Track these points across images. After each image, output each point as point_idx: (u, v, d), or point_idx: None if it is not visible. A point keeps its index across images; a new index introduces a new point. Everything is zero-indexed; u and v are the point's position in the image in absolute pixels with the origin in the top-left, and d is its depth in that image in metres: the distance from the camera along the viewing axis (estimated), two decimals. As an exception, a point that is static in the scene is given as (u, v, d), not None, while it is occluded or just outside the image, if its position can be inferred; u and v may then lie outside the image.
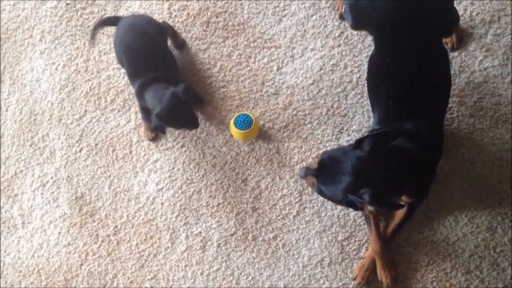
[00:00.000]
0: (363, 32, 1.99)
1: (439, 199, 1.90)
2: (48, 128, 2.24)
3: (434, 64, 1.62)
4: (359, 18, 1.69)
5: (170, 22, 2.20)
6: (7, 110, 2.30)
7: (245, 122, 1.96)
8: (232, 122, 1.98)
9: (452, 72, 1.93)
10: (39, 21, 2.34)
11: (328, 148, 2.01)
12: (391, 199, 1.48)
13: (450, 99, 1.91)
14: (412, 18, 1.58)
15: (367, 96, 1.86)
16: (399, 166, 1.52)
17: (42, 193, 2.21)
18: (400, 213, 1.83)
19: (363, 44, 2.03)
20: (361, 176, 1.47)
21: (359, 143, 1.50)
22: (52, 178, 2.21)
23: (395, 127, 1.62)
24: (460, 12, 1.95)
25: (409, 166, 1.56)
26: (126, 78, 2.20)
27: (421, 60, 1.60)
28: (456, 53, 1.96)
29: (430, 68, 1.61)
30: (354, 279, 1.91)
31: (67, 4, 2.31)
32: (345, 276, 1.93)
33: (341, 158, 1.50)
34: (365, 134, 1.54)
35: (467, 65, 1.95)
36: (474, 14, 1.97)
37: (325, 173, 1.54)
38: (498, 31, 1.95)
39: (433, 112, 1.65)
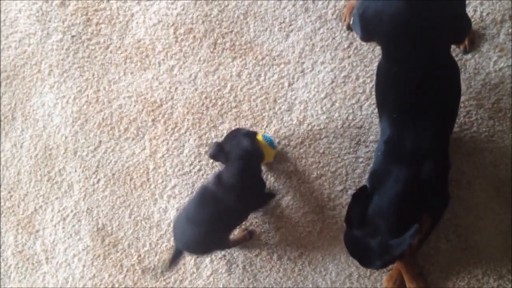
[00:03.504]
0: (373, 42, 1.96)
1: (464, 205, 1.87)
2: (64, 161, 2.24)
3: (442, 76, 1.59)
4: (367, 29, 1.67)
5: (177, 46, 2.19)
6: (21, 147, 2.30)
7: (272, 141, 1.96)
8: (262, 142, 1.92)
9: (467, 75, 1.91)
10: (46, 56, 2.34)
11: (347, 161, 1.98)
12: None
13: (467, 102, 1.90)
14: (420, 28, 1.55)
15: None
16: (400, 202, 1.60)
17: (63, 227, 2.21)
18: (425, 224, 1.80)
19: (374, 54, 2.01)
20: (381, 245, 1.57)
21: (348, 222, 1.62)
22: (72, 211, 2.21)
23: (399, 148, 1.62)
24: (470, 14, 1.92)
25: (411, 196, 1.60)
26: (137, 106, 2.19)
27: (428, 71, 1.57)
28: (469, 56, 1.93)
29: (437, 80, 1.58)
30: (384, 291, 1.89)
31: (72, 37, 2.31)
32: (375, 290, 1.91)
33: (356, 241, 1.63)
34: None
35: (482, 66, 1.92)
36: (484, 14, 1.93)
37: (358, 259, 1.66)
38: (510, 30, 1.91)
39: (439, 127, 1.62)
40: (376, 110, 1.95)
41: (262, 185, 1.89)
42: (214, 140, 1.83)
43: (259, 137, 1.93)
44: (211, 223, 1.75)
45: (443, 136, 1.65)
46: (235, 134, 1.83)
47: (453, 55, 1.91)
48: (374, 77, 1.76)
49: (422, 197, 1.61)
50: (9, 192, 2.28)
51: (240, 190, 1.75)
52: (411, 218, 1.60)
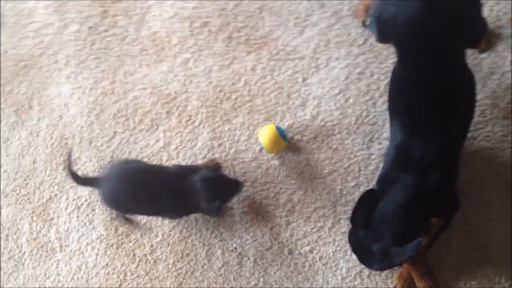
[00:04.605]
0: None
1: (476, 204, 1.87)
2: (79, 151, 2.27)
3: (455, 82, 1.57)
4: (382, 31, 1.67)
5: (192, 39, 2.20)
6: (38, 136, 2.33)
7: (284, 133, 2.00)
8: (275, 131, 1.97)
9: (482, 74, 1.90)
10: (63, 46, 2.36)
11: (359, 158, 1.99)
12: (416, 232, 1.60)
13: (482, 102, 1.89)
14: (434, 32, 1.53)
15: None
16: (405, 210, 1.60)
17: (77, 216, 2.24)
18: (436, 224, 1.80)
19: (389, 51, 2.00)
20: (382, 250, 1.60)
21: (353, 223, 1.65)
22: (86, 200, 2.23)
23: (408, 155, 1.61)
24: (487, 13, 1.91)
25: (417, 204, 1.61)
26: (152, 98, 2.21)
27: (442, 77, 1.55)
28: (485, 55, 1.92)
29: (450, 86, 1.56)
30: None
31: (89, 28, 2.33)
32: (385, 286, 1.91)
33: (359, 241, 1.67)
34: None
35: (497, 66, 1.91)
36: (500, 14, 1.92)
37: (360, 258, 1.72)
38: (527, 30, 1.90)
39: (450, 135, 1.61)
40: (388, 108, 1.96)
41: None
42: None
43: (273, 127, 1.96)
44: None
45: (453, 144, 1.64)
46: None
47: (469, 54, 1.91)
48: (389, 79, 1.76)
49: (428, 205, 1.61)
50: (25, 180, 2.32)
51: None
52: (416, 226, 1.62)
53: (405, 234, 1.57)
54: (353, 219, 1.63)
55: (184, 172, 1.85)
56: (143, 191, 1.85)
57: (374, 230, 1.59)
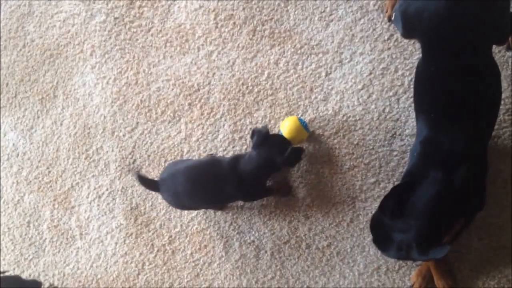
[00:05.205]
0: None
1: (498, 204, 1.83)
2: (101, 141, 2.30)
3: (481, 77, 1.55)
4: (408, 27, 1.65)
5: (216, 32, 2.21)
6: (61, 124, 2.37)
7: (306, 125, 2.00)
8: (297, 122, 1.97)
9: (509, 71, 1.87)
10: (89, 36, 2.39)
11: (381, 154, 1.97)
12: (441, 236, 1.55)
13: (508, 100, 1.86)
14: (460, 28, 1.51)
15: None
16: (434, 207, 1.55)
17: (98, 205, 2.27)
18: (457, 224, 1.78)
19: (414, 46, 1.98)
20: (403, 242, 1.55)
21: (382, 207, 1.59)
22: (107, 189, 2.26)
23: (435, 150, 1.58)
24: (515, 10, 1.87)
25: (446, 200, 1.56)
26: (175, 89, 2.23)
27: (467, 72, 1.53)
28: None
29: (476, 81, 1.54)
30: (412, 286, 1.88)
31: (115, 19, 2.35)
32: (403, 284, 1.89)
33: (382, 225, 1.61)
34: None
35: (525, 64, 1.88)
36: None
37: (375, 240, 1.64)
38: (557, 27, 1.86)
39: (477, 129, 1.57)
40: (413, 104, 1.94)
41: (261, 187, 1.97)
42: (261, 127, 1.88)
43: (295, 118, 1.96)
44: (203, 197, 1.90)
45: (481, 139, 1.62)
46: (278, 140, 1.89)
47: (496, 51, 1.88)
48: (414, 75, 1.74)
49: (457, 201, 1.59)
50: (48, 168, 2.36)
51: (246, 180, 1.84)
52: (444, 224, 1.59)
53: (432, 231, 1.54)
54: (381, 206, 1.59)
55: (235, 157, 1.89)
56: (205, 184, 1.86)
57: (401, 222, 1.56)
